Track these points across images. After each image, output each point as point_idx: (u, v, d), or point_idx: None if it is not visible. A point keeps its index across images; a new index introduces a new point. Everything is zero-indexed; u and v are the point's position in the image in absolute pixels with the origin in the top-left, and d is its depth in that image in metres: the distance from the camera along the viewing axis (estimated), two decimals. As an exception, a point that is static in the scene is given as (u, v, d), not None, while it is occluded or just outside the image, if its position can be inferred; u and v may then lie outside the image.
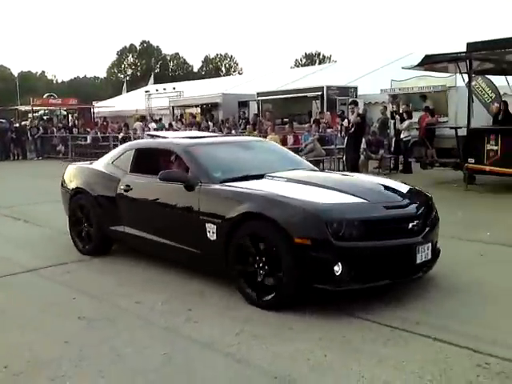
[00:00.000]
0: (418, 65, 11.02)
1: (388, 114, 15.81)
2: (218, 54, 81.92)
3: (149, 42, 80.00)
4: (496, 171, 9.96)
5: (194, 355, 3.55)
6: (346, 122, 13.41)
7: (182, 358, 3.52)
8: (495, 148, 9.76)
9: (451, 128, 11.62)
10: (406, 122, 14.17)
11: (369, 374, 3.21)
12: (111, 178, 5.91)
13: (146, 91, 28.42)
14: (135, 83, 54.17)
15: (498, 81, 14.11)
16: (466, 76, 10.66)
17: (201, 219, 4.75)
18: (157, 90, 27.99)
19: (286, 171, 5.31)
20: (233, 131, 17.86)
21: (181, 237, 5.06)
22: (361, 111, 14.06)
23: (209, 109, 22.31)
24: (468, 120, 10.41)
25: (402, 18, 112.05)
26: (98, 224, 5.95)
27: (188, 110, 23.85)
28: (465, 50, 10.27)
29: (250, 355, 3.52)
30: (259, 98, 20.26)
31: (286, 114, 19.26)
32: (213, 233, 4.65)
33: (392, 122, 15.43)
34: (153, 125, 21.54)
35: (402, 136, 14.17)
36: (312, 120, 16.28)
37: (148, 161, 5.92)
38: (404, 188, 4.99)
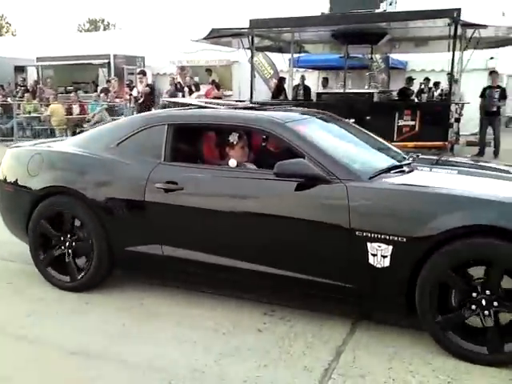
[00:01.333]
0: (205, 38, 11.29)
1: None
2: (-15, 12, 72.86)
3: None
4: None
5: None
6: (135, 92, 13.21)
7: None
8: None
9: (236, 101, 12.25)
10: (195, 95, 14.52)
11: (169, 334, 3.33)
12: (129, 169, 3.86)
13: None
14: None
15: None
16: (248, 52, 11.26)
17: (356, 236, 3.15)
18: None
19: (411, 158, 4.02)
20: (9, 99, 16.18)
21: (304, 262, 3.37)
22: (150, 81, 13.97)
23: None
24: (250, 95, 11.07)
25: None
26: (102, 243, 3.88)
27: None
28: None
29: (43, 334, 3.36)
30: (39, 64, 18.73)
31: (69, 81, 18.17)
32: (383, 257, 3.12)
33: (180, 94, 15.65)
34: None
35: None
36: (100, 89, 15.64)
37: (193, 144, 4.14)
38: None
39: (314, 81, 17.07)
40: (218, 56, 16.43)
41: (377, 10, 9.75)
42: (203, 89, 15.04)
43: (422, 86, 13.50)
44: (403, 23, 9.59)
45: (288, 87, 12.73)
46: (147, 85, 12.79)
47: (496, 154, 11.26)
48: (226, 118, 3.98)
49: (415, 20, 9.02)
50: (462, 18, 8.86)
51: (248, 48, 11.16)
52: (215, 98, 14.47)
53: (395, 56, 16.19)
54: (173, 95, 15.57)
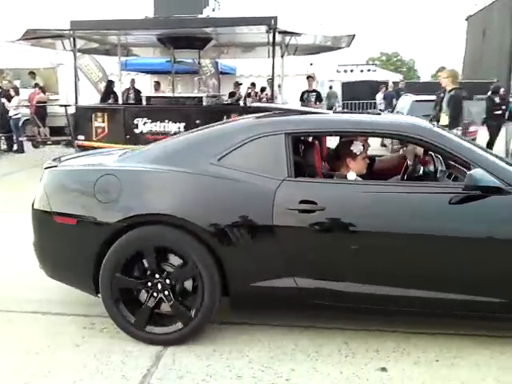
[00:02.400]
0: (20, 39, 10.54)
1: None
2: None
3: None
4: (104, 147, 10.54)
5: None
6: None
7: None
8: (102, 125, 10.29)
9: (61, 106, 11.69)
10: (15, 100, 13.48)
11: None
12: (245, 189, 3.15)
13: None
14: None
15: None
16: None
17: None
18: None
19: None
20: None
21: (476, 281, 3.02)
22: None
23: None
24: (76, 98, 10.62)
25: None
26: (215, 280, 3.13)
27: None
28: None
29: None
30: None
31: None
32: None
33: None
34: None
35: (10, 114, 13.43)
36: None
37: (313, 155, 3.55)
38: None
39: (146, 84, 16.91)
40: (41, 58, 15.41)
41: (200, 16, 9.95)
42: (25, 93, 14.02)
43: (249, 91, 14.11)
44: (227, 29, 9.92)
45: (119, 91, 12.48)
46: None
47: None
48: (363, 125, 3.41)
49: (235, 26, 9.38)
50: (280, 26, 9.40)
51: (70, 50, 10.68)
52: (39, 102, 13.61)
53: (224, 61, 16.71)
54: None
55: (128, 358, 3.12)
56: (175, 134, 9.94)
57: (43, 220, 3.41)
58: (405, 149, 4.08)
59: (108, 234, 3.16)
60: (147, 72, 17.19)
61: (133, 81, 14.19)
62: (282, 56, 11.08)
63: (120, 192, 3.19)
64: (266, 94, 12.94)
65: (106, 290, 3.22)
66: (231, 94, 13.71)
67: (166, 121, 9.89)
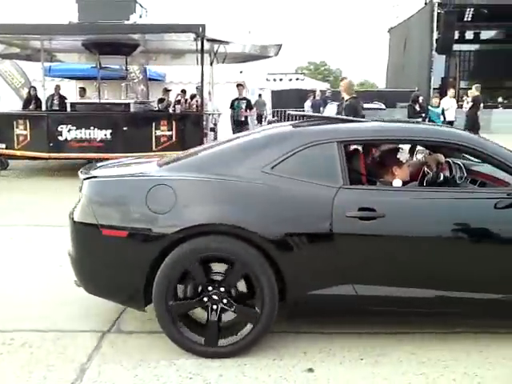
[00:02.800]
0: None
1: None
2: None
3: None
4: (27, 155, 10.16)
5: None
6: None
7: None
8: (24, 132, 9.89)
9: (-21, 113, 11.12)
10: None
11: None
12: (303, 197, 3.12)
13: None
14: None
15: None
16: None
17: None
18: None
19: None
20: None
21: None
22: None
23: None
24: (-5, 104, 10.17)
25: None
26: (274, 289, 3.06)
27: None
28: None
29: None
30: None
31: None
32: None
33: None
34: None
35: None
36: None
37: (362, 162, 3.54)
38: None
39: (72, 91, 16.39)
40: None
41: (127, 22, 9.81)
42: None
43: (179, 97, 14.01)
44: (155, 35, 9.84)
45: (43, 97, 12.03)
46: None
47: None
48: (415, 133, 3.57)
49: (163, 33, 9.33)
50: (208, 33, 9.44)
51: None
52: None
53: (154, 68, 16.52)
54: None
55: (51, 372, 3.00)
56: (102, 141, 9.74)
57: (88, 233, 3.24)
58: (425, 156, 4.20)
59: (164, 245, 3.04)
60: (72, 78, 16.69)
61: (57, 87, 13.72)
62: (211, 63, 11.12)
63: (175, 202, 3.08)
64: (197, 101, 12.90)
65: (163, 309, 3.09)
66: (160, 101, 13.56)
67: (92, 128, 9.66)
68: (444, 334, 3.42)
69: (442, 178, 3.62)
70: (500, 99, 19.64)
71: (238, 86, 12.63)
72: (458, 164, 3.81)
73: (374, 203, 3.08)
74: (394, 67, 30.00)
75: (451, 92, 14.91)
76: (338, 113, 8.48)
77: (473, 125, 14.34)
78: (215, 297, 3.09)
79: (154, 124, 9.80)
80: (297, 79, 30.22)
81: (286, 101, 23.76)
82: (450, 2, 22.33)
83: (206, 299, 3.10)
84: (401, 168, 3.64)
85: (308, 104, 19.66)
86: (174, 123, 9.97)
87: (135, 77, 15.24)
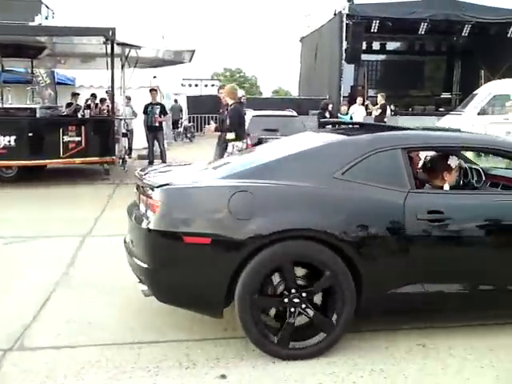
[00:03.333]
0: None
1: None
2: None
3: None
4: None
5: None
6: None
7: None
8: None
9: None
10: None
11: None
12: (376, 201, 3.32)
13: None
14: None
15: None
16: None
17: None
18: None
19: None
20: None
21: None
22: None
23: None
24: None
25: None
26: (353, 290, 3.21)
27: None
28: None
29: None
30: None
31: None
32: None
33: None
34: None
35: None
36: None
37: (415, 168, 3.94)
38: None
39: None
40: None
41: (31, 23, 9.37)
42: None
43: (89, 102, 13.58)
44: (62, 38, 9.47)
45: None
46: None
47: (164, 165, 12.09)
48: (474, 142, 3.91)
49: (70, 36, 8.99)
50: (119, 37, 9.23)
51: None
52: None
53: (63, 71, 15.89)
54: None
55: None
56: (5, 148, 9.24)
57: (168, 241, 3.24)
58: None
59: (248, 251, 3.11)
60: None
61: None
62: (122, 68, 10.87)
63: (256, 208, 3.19)
64: (108, 106, 12.55)
65: (246, 312, 3.16)
66: (68, 105, 13.08)
67: (-6, 134, 9.10)
68: (351, 333, 3.55)
69: (461, 182, 4.05)
70: (392, 107, 20.59)
71: (152, 90, 12.42)
72: (477, 169, 4.30)
73: (441, 206, 3.35)
74: (306, 75, 30.81)
75: (359, 100, 15.64)
76: (222, 120, 8.40)
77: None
78: (296, 300, 3.18)
79: (61, 129, 9.41)
80: (212, 85, 30.29)
81: (202, 106, 23.71)
82: (357, 14, 23.28)
83: (286, 300, 3.18)
84: (450, 173, 3.90)
85: (223, 110, 19.71)
86: (83, 128, 9.63)
87: (42, 81, 14.58)
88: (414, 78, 28.42)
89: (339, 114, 12.63)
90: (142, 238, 3.33)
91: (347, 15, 23.33)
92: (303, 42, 32.07)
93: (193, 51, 11.17)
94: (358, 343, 3.44)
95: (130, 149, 13.84)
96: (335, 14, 24.27)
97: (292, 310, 3.17)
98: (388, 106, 15.69)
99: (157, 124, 12.08)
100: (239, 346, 3.37)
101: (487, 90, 18.25)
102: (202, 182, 3.52)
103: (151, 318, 3.78)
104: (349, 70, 25.50)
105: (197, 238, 3.17)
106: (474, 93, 18.23)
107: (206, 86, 28.55)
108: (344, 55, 24.42)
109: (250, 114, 12.83)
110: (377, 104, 15.57)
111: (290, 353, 3.23)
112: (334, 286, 3.20)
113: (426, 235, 3.31)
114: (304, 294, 3.18)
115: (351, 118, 12.74)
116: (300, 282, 3.24)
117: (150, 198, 3.35)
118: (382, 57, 30.13)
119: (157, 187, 3.33)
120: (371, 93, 24.07)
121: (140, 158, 13.84)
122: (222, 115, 8.81)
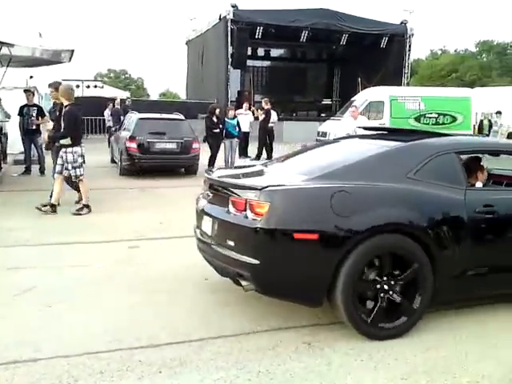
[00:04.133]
0: None
1: None
2: None
3: None
4: None
5: None
6: None
7: None
8: None
9: None
10: None
11: None
12: (444, 198, 3.85)
13: None
14: None
15: None
16: None
17: None
18: None
19: None
20: None
21: None
22: None
23: None
24: None
25: None
26: (431, 276, 3.70)
27: None
28: None
29: None
30: None
31: None
32: None
33: None
34: None
35: None
36: None
37: (464, 168, 4.16)
38: None
39: None
40: None
41: None
42: None
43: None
44: None
45: None
46: None
47: (42, 171, 11.36)
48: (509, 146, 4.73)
49: None
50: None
51: None
52: None
53: None
54: None
55: None
56: None
57: (279, 238, 3.53)
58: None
59: (351, 244, 3.48)
60: None
61: None
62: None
63: (354, 206, 3.57)
64: (-23, 108, 11.59)
65: (348, 297, 3.50)
66: None
67: None
68: (236, 335, 3.56)
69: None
70: (279, 112, 21.29)
71: (27, 91, 11.66)
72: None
73: (491, 201, 3.97)
74: (194, 79, 30.74)
75: (246, 105, 15.93)
76: (57, 119, 8.00)
77: (267, 135, 15.47)
78: (386, 286, 3.61)
79: None
80: (95, 86, 29.11)
81: (85, 108, 22.75)
82: (241, 20, 23.66)
83: (378, 286, 3.60)
84: (482, 173, 4.61)
85: (107, 113, 19.13)
86: None
87: None
88: (298, 84, 29.52)
89: (226, 119, 12.72)
90: (248, 236, 3.58)
91: (232, 20, 23.63)
92: (189, 45, 32.00)
93: (72, 51, 10.65)
94: (245, 346, 3.47)
95: (5, 154, 12.88)
96: (220, 19, 24.47)
97: (382, 295, 3.59)
98: (274, 111, 16.17)
99: (34, 127, 11.35)
100: (125, 357, 3.26)
101: (363, 97, 19.46)
102: (298, 183, 3.79)
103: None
104: (235, 74, 25.88)
105: (305, 235, 3.51)
106: (352, 99, 19.33)
107: (88, 87, 27.35)
108: (230, 60, 24.68)
109: (135, 116, 12.52)
110: (263, 109, 15.99)
111: (377, 333, 3.62)
112: (419, 276, 3.65)
113: (483, 226, 3.90)
114: (392, 282, 3.61)
115: (238, 123, 12.89)
116: (390, 271, 3.64)
117: (245, 198, 3.64)
118: (267, 63, 30.94)
119: (261, 189, 3.60)
120: (257, 98, 24.59)
121: (16, 163, 12.96)
122: (55, 114, 8.35)
